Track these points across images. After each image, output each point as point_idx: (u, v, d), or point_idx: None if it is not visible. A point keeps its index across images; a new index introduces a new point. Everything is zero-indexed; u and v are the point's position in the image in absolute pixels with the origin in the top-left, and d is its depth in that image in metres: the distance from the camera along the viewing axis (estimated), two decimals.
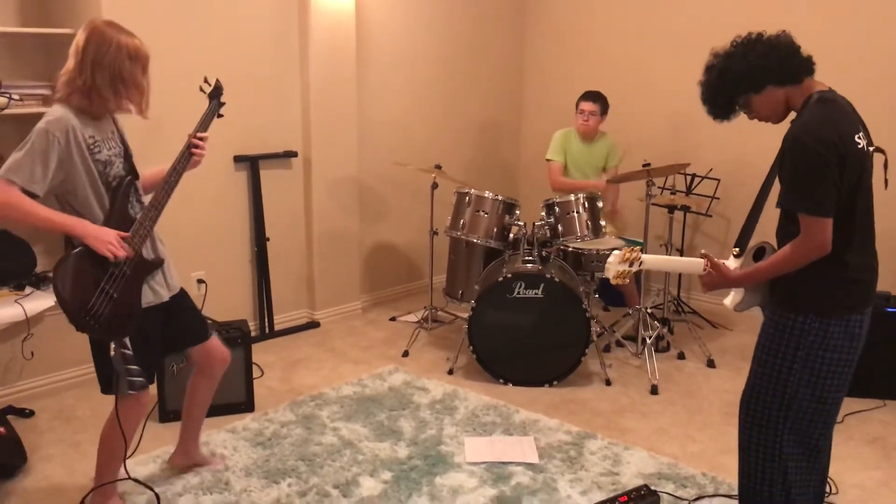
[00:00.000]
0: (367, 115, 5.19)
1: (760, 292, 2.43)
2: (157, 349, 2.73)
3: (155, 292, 2.62)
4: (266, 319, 4.77)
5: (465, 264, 4.52)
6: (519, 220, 4.33)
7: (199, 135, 2.68)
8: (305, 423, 3.53)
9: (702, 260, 2.40)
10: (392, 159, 5.28)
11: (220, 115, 2.83)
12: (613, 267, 2.45)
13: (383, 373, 4.16)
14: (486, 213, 4.28)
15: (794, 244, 2.21)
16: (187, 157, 2.65)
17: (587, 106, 4.81)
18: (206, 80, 2.84)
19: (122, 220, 2.52)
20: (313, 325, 4.97)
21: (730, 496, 2.95)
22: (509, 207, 4.32)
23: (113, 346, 2.49)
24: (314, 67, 4.70)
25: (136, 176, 2.64)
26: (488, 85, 6.09)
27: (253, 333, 4.59)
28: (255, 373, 3.97)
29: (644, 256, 2.45)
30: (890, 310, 3.79)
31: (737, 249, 2.42)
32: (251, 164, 4.56)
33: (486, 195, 4.30)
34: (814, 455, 2.41)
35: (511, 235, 4.35)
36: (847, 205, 2.20)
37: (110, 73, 2.44)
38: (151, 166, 2.76)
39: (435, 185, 4.78)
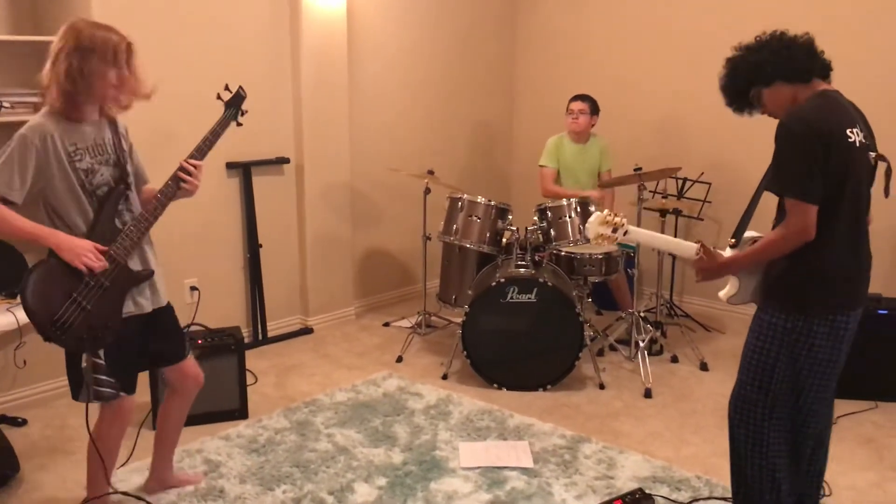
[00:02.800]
0: (359, 121, 5.19)
1: (754, 287, 2.44)
2: (135, 359, 2.67)
3: (136, 303, 2.56)
4: (259, 326, 4.76)
5: (459, 269, 4.53)
6: (511, 224, 4.35)
7: (191, 162, 2.58)
8: (300, 430, 3.53)
9: (694, 244, 2.43)
10: (384, 165, 5.28)
11: (239, 124, 2.77)
12: (593, 228, 2.47)
13: (377, 378, 4.16)
14: (479, 218, 4.29)
15: (778, 229, 2.26)
16: (174, 185, 2.56)
17: (576, 105, 4.85)
18: (226, 88, 2.77)
19: (106, 230, 2.48)
20: (307, 331, 4.96)
21: (724, 498, 2.95)
22: (502, 212, 4.33)
23: (85, 356, 2.45)
24: (306, 73, 4.70)
25: (127, 186, 2.57)
26: (480, 90, 6.11)
27: (246, 340, 4.59)
28: (249, 379, 3.96)
29: (631, 227, 2.46)
30: (881, 311, 3.81)
31: (733, 240, 2.44)
32: (243, 170, 4.55)
33: (479, 200, 4.31)
34: (795, 456, 2.43)
35: (504, 240, 4.36)
36: (832, 199, 2.22)
37: (67, 73, 2.34)
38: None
39: (427, 191, 4.78)
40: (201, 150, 2.63)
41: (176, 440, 3.00)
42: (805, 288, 2.28)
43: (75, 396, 2.59)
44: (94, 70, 2.36)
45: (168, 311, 2.74)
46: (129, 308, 2.53)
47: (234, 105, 2.76)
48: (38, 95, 3.73)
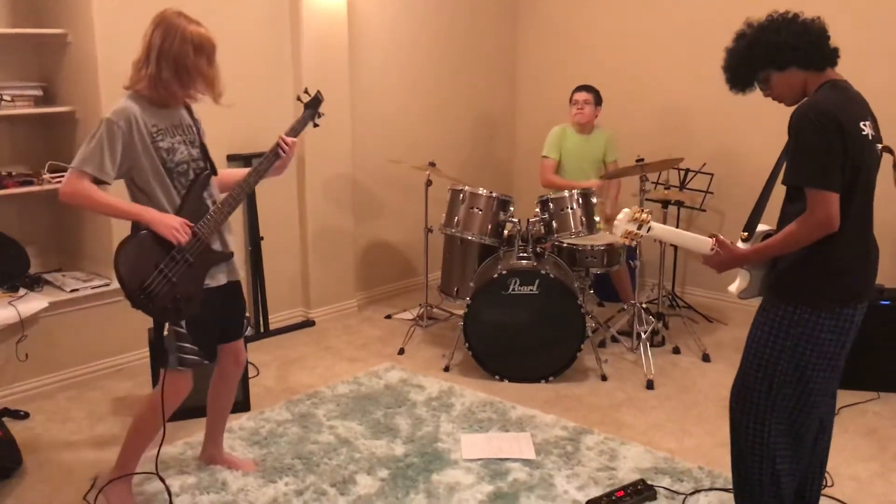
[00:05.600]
0: (361, 113, 5.18)
1: (763, 280, 2.43)
2: (214, 331, 2.81)
3: (214, 277, 2.71)
4: (261, 318, 4.76)
5: (460, 261, 4.52)
6: (513, 216, 4.34)
7: (287, 138, 2.80)
8: (302, 422, 3.53)
9: (710, 239, 2.41)
10: (386, 157, 5.28)
11: (315, 125, 2.99)
12: (622, 225, 2.47)
13: (379, 370, 4.16)
14: (481, 210, 4.28)
15: (800, 220, 2.21)
16: (272, 157, 2.77)
17: (580, 96, 4.82)
18: (305, 91, 3.00)
19: (194, 210, 2.63)
20: (308, 323, 4.97)
21: (726, 489, 2.95)
22: (503, 204, 4.32)
23: (168, 326, 2.61)
24: (306, 65, 4.69)
25: (213, 171, 2.74)
26: (482, 81, 6.09)
27: (248, 333, 4.58)
28: (251, 372, 3.96)
29: (654, 224, 2.46)
30: (883, 303, 3.80)
31: (745, 234, 2.43)
32: (244, 162, 4.54)
33: (481, 192, 4.30)
34: (798, 445, 2.42)
35: (505, 232, 4.35)
36: (846, 191, 2.21)
37: (175, 64, 2.53)
38: None
39: (429, 183, 4.78)
40: (295, 131, 2.86)
41: (221, 420, 3.11)
42: (814, 279, 2.27)
43: (161, 363, 2.71)
44: (199, 65, 2.57)
45: (239, 288, 2.92)
46: (206, 282, 2.68)
47: (313, 107, 2.98)
48: (41, 89, 3.76)
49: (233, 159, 4.48)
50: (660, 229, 2.49)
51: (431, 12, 5.57)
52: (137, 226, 2.56)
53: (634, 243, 2.52)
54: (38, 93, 3.78)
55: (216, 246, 2.71)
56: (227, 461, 3.14)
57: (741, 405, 2.45)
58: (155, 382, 2.77)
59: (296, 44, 4.68)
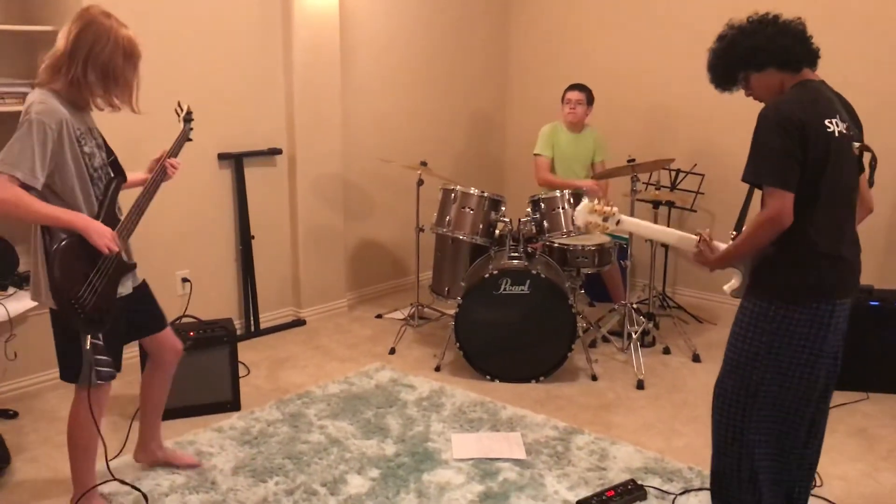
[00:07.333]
0: (352, 112, 5.17)
1: None
2: (122, 339, 2.76)
3: (123, 285, 2.65)
4: (252, 318, 4.75)
5: (452, 261, 4.52)
6: (504, 216, 4.34)
7: (173, 161, 2.77)
8: (292, 422, 3.52)
9: (694, 237, 2.43)
10: (377, 156, 5.27)
11: (189, 139, 2.91)
12: (582, 216, 2.52)
13: (370, 370, 4.15)
14: (472, 210, 4.28)
15: (755, 218, 2.25)
16: (160, 179, 2.73)
17: (574, 95, 4.83)
18: (179, 105, 2.92)
19: (109, 219, 2.54)
20: (299, 323, 4.95)
21: None
22: (495, 204, 4.32)
23: (88, 338, 2.50)
24: (298, 64, 4.68)
25: (123, 177, 2.65)
26: (473, 81, 6.09)
27: (238, 332, 4.58)
28: (241, 371, 3.95)
29: (624, 217, 2.49)
30: (872, 303, 3.82)
31: (734, 233, 2.44)
32: (235, 161, 4.53)
33: (472, 192, 4.30)
34: (781, 442, 2.43)
35: (497, 232, 4.35)
36: (810, 188, 2.22)
37: (103, 69, 2.42)
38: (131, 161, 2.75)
39: (420, 182, 4.77)
40: (176, 151, 2.82)
41: (159, 413, 3.04)
42: (783, 275, 2.29)
43: (72, 379, 2.61)
44: (126, 72, 2.47)
45: (144, 285, 2.83)
46: (117, 290, 2.62)
47: (188, 121, 2.90)
48: (31, 86, 3.72)
49: (224, 157, 4.47)
50: (631, 223, 2.52)
51: (423, 11, 5.57)
52: (50, 232, 2.41)
53: (604, 238, 2.55)
54: (27, 90, 3.75)
55: (124, 256, 2.63)
56: (169, 456, 3.07)
57: (720, 402, 2.47)
58: (64, 377, 2.64)
59: (287, 42, 4.66)
